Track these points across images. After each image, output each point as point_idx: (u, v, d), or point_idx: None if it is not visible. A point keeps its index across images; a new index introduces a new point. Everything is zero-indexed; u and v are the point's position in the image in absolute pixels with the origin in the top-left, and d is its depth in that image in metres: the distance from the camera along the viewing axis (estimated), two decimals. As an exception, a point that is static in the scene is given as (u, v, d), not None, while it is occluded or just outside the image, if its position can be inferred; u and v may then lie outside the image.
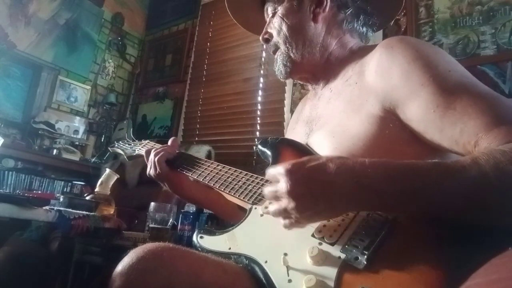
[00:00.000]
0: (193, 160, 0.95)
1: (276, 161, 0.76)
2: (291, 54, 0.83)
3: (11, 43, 2.73)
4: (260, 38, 0.89)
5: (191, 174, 0.90)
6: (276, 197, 0.54)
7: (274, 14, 0.85)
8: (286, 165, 0.53)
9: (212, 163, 0.90)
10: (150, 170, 0.99)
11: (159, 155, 0.97)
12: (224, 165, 0.86)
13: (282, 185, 0.52)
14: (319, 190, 0.50)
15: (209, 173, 0.86)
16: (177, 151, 1.01)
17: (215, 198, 0.97)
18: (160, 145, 1.04)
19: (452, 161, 0.50)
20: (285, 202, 0.52)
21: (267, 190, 0.56)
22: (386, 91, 0.64)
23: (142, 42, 3.65)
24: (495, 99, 0.56)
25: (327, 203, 0.51)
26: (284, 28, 0.82)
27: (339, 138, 0.68)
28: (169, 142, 1.03)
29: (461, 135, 0.54)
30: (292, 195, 0.51)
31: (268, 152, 0.79)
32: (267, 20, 0.88)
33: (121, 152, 1.20)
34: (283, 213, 0.54)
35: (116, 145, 1.25)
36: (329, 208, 0.52)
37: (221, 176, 0.82)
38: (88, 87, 3.22)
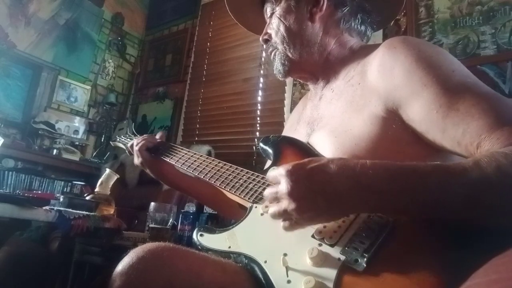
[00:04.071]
0: (172, 148, 1.03)
1: (277, 159, 0.76)
2: (289, 54, 0.82)
3: (11, 43, 2.73)
4: (260, 39, 0.89)
5: (175, 162, 0.96)
6: (276, 199, 0.54)
7: (272, 15, 0.85)
8: (287, 166, 0.53)
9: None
10: (135, 159, 1.06)
11: (139, 145, 1.05)
12: (219, 160, 0.87)
13: (283, 186, 0.52)
14: (319, 190, 0.50)
15: (210, 170, 0.86)
16: (158, 140, 1.08)
17: (200, 187, 1.03)
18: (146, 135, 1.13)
19: (454, 163, 0.49)
20: (286, 203, 0.52)
21: (267, 191, 0.56)
22: (389, 92, 0.63)
23: (142, 42, 3.65)
24: (498, 100, 0.56)
25: (327, 203, 0.50)
26: (282, 28, 0.82)
27: (341, 139, 0.68)
28: (157, 136, 1.11)
29: (463, 136, 0.54)
30: (292, 195, 0.51)
31: (270, 150, 0.79)
32: (267, 20, 0.88)
33: (122, 146, 1.22)
34: (283, 214, 0.53)
35: (118, 139, 1.26)
36: (329, 209, 0.51)
37: (222, 173, 0.82)
38: (88, 87, 3.22)
